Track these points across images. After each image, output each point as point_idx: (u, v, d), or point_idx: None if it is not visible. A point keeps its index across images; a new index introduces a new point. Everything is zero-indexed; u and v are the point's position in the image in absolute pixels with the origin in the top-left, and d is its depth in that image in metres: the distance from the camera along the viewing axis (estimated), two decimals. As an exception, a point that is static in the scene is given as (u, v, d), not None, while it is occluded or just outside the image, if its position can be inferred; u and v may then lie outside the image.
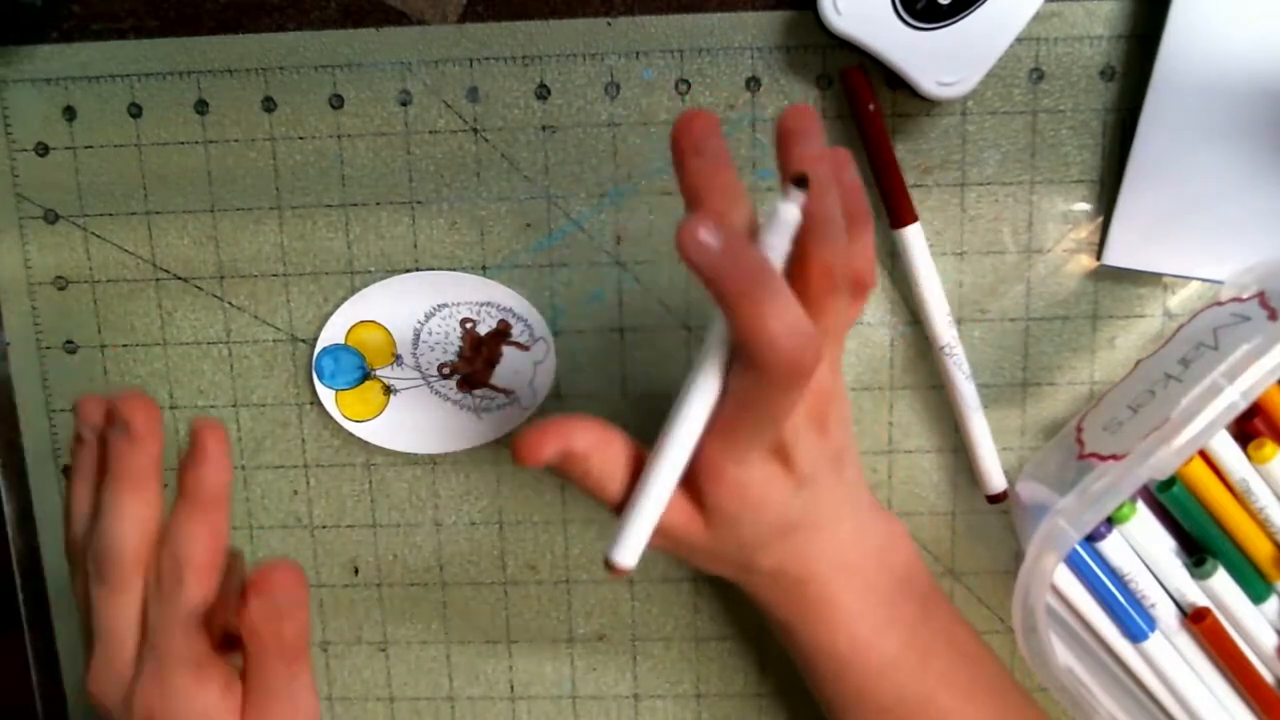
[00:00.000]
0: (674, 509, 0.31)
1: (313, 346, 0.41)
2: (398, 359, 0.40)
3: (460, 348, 0.40)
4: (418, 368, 0.40)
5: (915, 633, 0.34)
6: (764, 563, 0.32)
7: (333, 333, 0.40)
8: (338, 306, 0.40)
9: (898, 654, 0.34)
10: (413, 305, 0.40)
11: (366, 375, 0.41)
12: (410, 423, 0.41)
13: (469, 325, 0.40)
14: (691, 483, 0.30)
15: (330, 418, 0.41)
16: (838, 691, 0.35)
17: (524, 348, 0.40)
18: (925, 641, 0.34)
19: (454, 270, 0.40)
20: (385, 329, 0.40)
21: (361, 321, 0.40)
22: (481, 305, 0.40)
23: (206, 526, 0.30)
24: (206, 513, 0.30)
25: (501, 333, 0.40)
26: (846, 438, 0.33)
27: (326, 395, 0.41)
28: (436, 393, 0.41)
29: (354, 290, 0.40)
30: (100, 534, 0.30)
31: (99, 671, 0.31)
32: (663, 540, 0.31)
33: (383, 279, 0.40)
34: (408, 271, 0.40)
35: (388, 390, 0.41)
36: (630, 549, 0.29)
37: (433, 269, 0.40)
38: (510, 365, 0.40)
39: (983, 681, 0.35)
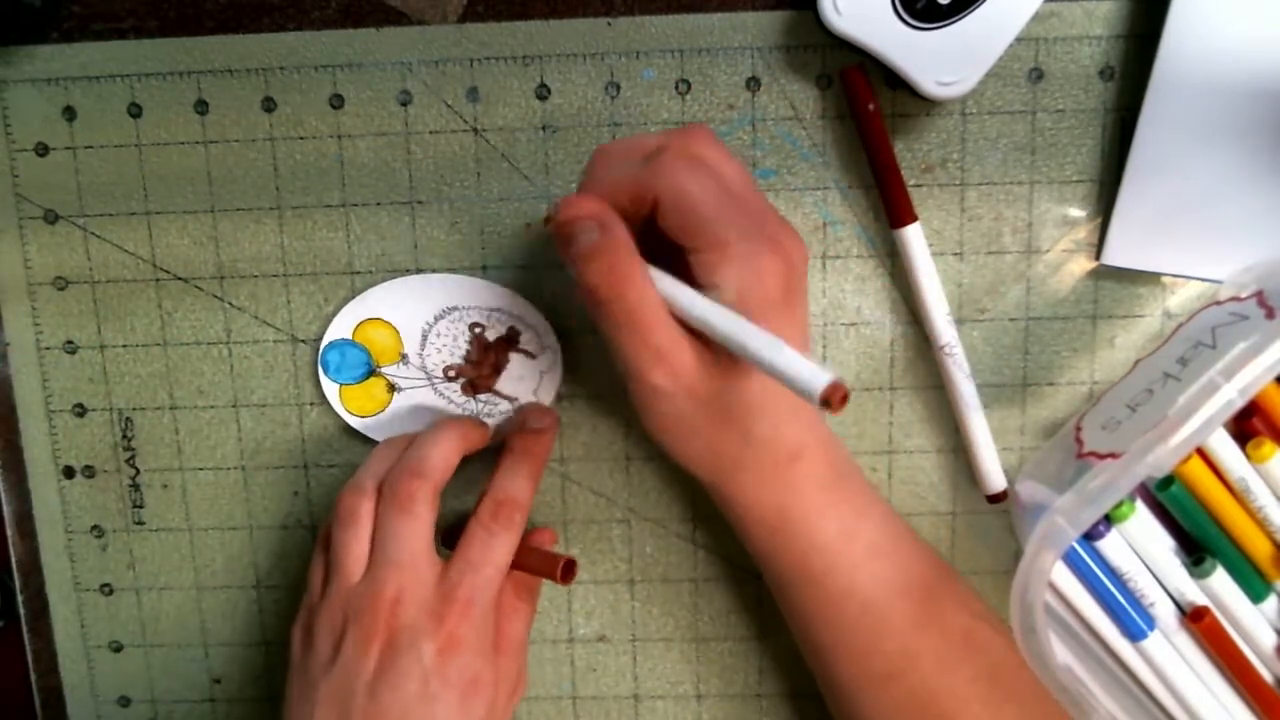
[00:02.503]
0: (692, 353, 0.32)
1: (315, 345, 0.41)
2: (404, 358, 0.40)
3: (468, 351, 0.40)
4: (423, 368, 0.40)
5: (881, 527, 0.36)
6: (778, 424, 0.33)
7: (341, 327, 0.40)
8: (339, 308, 0.40)
9: (875, 539, 0.35)
10: (423, 306, 0.40)
11: (371, 372, 0.41)
12: (412, 422, 0.41)
13: (478, 330, 0.40)
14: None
15: (332, 416, 0.41)
16: (822, 596, 0.35)
17: (531, 355, 0.40)
18: (886, 533, 0.36)
19: (464, 273, 0.40)
20: (394, 328, 0.40)
21: (370, 319, 0.40)
22: (492, 311, 0.40)
23: (530, 480, 0.38)
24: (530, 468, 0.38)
25: (510, 339, 0.40)
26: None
27: (331, 389, 0.41)
28: (440, 394, 0.41)
29: (355, 291, 0.40)
30: (414, 451, 0.36)
31: (392, 589, 0.34)
32: (673, 376, 0.32)
33: (392, 278, 0.40)
34: (409, 272, 0.40)
35: (392, 388, 0.41)
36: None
37: (434, 269, 0.40)
38: (516, 372, 0.40)
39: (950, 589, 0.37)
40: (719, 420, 0.33)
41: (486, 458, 0.39)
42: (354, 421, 0.41)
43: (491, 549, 0.36)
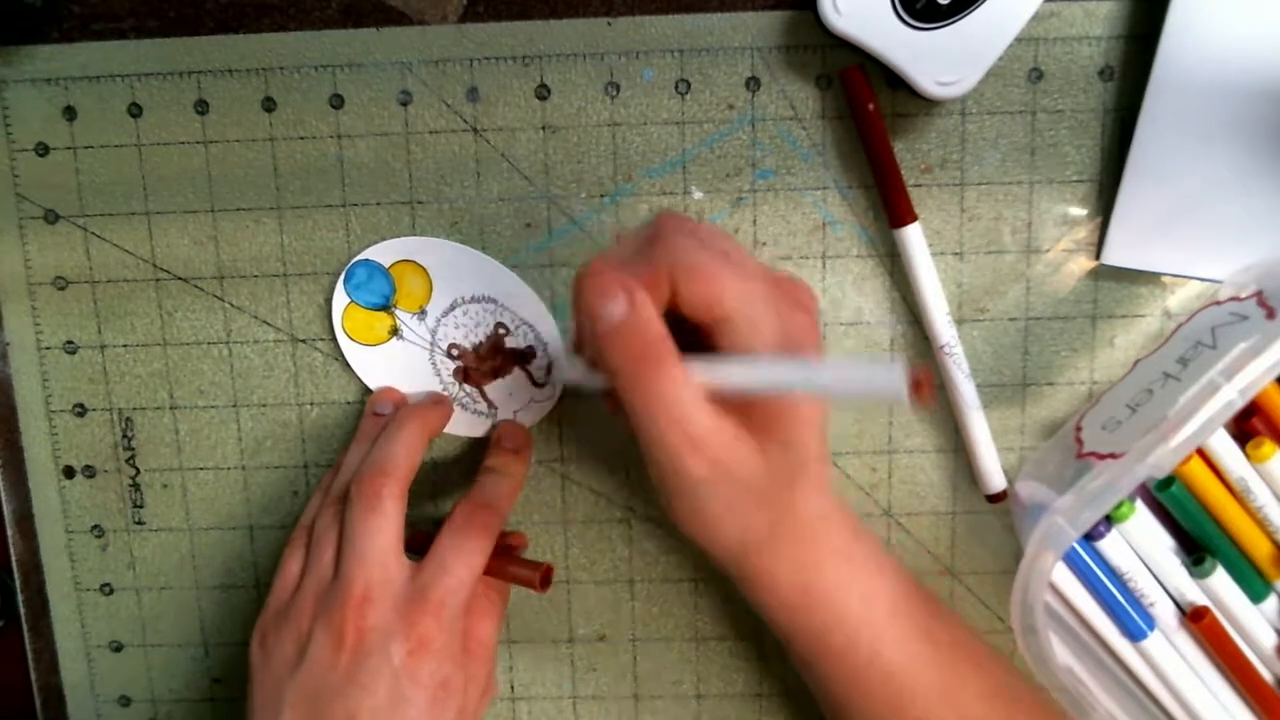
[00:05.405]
0: (731, 436, 0.31)
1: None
2: (422, 314, 0.40)
3: (480, 343, 0.40)
4: (432, 333, 0.40)
5: (895, 583, 0.35)
6: (806, 498, 0.32)
7: (383, 252, 0.40)
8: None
9: (893, 598, 0.34)
10: (468, 281, 0.40)
11: (385, 307, 0.40)
12: (396, 375, 0.41)
13: (501, 331, 0.40)
14: (746, 410, 0.31)
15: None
16: (847, 670, 0.35)
17: (535, 384, 0.40)
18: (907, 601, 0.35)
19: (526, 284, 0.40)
20: (430, 283, 0.40)
21: (415, 262, 0.40)
22: (523, 323, 0.40)
23: (506, 493, 0.38)
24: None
25: (523, 357, 0.40)
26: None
27: (340, 301, 0.40)
28: (433, 363, 0.41)
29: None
30: (378, 450, 0.36)
31: (366, 592, 0.34)
32: (714, 466, 0.31)
33: (462, 243, 0.40)
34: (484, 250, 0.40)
35: (394, 332, 0.40)
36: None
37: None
38: (509, 386, 0.40)
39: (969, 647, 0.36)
40: (755, 501, 0.31)
41: (465, 466, 0.40)
42: (342, 340, 0.40)
43: (466, 552, 0.35)
